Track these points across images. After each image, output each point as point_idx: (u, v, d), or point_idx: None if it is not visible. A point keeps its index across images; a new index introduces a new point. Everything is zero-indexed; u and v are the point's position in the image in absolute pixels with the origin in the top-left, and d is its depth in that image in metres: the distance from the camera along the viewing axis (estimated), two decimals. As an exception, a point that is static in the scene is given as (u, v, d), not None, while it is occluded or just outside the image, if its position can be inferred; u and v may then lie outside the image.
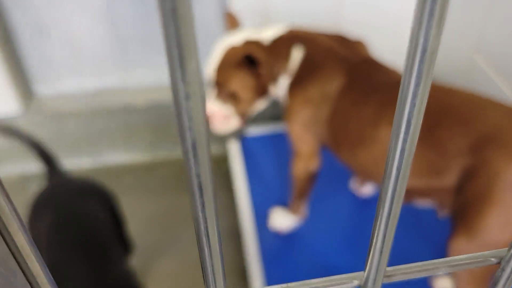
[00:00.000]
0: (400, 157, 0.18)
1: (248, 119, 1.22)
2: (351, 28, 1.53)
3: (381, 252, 0.19)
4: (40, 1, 1.46)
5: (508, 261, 0.20)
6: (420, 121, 0.18)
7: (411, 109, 0.18)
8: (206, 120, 0.73)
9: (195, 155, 0.17)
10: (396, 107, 0.19)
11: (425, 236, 1.24)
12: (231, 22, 1.22)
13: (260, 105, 1.20)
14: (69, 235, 0.94)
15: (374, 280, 0.18)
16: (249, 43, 1.10)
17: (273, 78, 1.12)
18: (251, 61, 1.07)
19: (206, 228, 0.20)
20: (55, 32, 1.52)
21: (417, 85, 0.17)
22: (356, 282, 0.19)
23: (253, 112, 1.20)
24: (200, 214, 0.19)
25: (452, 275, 0.95)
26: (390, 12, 1.53)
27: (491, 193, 0.81)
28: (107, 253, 0.94)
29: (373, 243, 0.19)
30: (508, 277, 0.21)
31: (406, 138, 0.18)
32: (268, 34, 1.11)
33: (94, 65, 1.62)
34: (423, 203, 1.00)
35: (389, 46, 1.61)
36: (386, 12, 1.53)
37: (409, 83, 0.17)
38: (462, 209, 0.86)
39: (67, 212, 0.98)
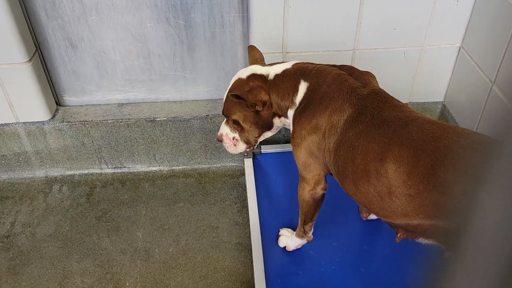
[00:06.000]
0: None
1: (256, 144, 1.26)
2: (366, 59, 1.55)
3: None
4: (71, 17, 1.52)
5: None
6: None
7: None
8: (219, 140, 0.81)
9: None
10: None
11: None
12: (253, 54, 1.26)
13: (266, 134, 1.24)
14: None
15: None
16: (252, 76, 1.14)
17: (281, 113, 1.16)
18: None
19: None
20: (85, 47, 1.59)
21: None
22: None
23: (259, 140, 1.24)
24: None
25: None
26: (405, 43, 1.54)
27: None
28: None
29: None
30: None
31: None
32: (276, 69, 1.15)
33: (120, 79, 1.68)
34: (428, 241, 0.96)
35: (400, 77, 1.63)
36: (399, 43, 1.54)
37: None
38: None
39: None
